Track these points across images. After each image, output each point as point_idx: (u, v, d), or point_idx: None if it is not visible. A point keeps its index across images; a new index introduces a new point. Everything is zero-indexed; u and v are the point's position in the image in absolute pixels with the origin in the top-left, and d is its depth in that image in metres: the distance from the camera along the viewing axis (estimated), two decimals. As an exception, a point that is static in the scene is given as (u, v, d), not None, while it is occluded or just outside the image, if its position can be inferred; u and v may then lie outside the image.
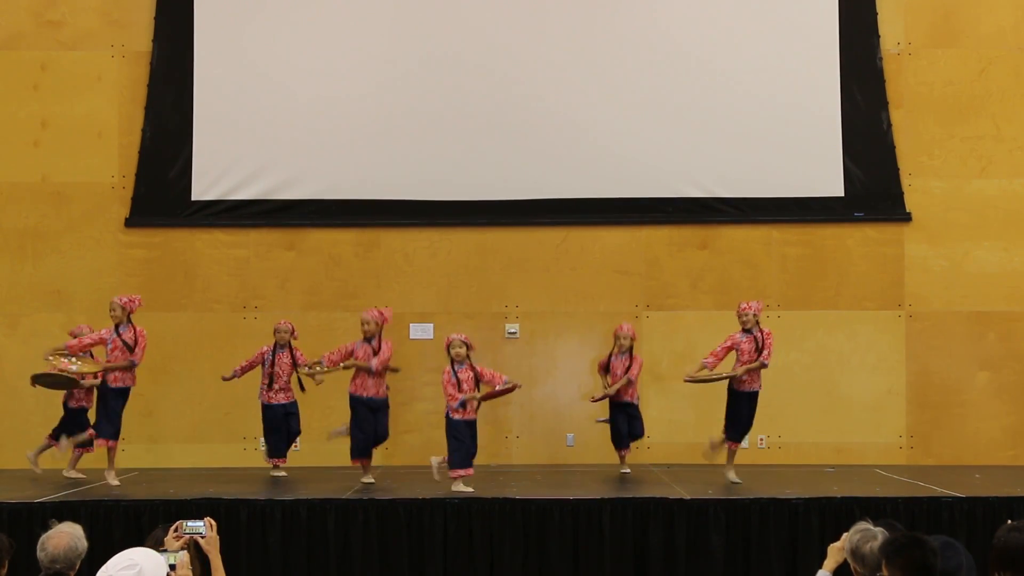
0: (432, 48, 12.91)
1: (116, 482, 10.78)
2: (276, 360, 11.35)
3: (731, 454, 10.96)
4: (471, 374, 10.47)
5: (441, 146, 12.82)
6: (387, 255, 12.94)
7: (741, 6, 12.94)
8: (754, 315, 10.73)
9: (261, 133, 12.86)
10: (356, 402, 10.84)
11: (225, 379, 11.47)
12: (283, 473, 11.39)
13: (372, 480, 10.79)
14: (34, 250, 12.86)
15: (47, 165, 12.89)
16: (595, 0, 12.93)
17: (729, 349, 10.80)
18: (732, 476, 10.78)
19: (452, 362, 10.49)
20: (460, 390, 10.38)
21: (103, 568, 4.39)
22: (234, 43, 12.94)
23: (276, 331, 11.43)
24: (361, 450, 10.87)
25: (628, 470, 11.56)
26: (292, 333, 11.43)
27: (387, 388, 11.01)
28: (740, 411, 10.85)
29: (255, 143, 12.86)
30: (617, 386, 11.38)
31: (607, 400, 11.58)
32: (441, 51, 12.90)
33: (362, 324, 10.86)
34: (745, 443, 11.36)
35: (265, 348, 11.45)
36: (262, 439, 11.71)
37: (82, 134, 12.88)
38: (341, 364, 10.91)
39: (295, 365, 11.35)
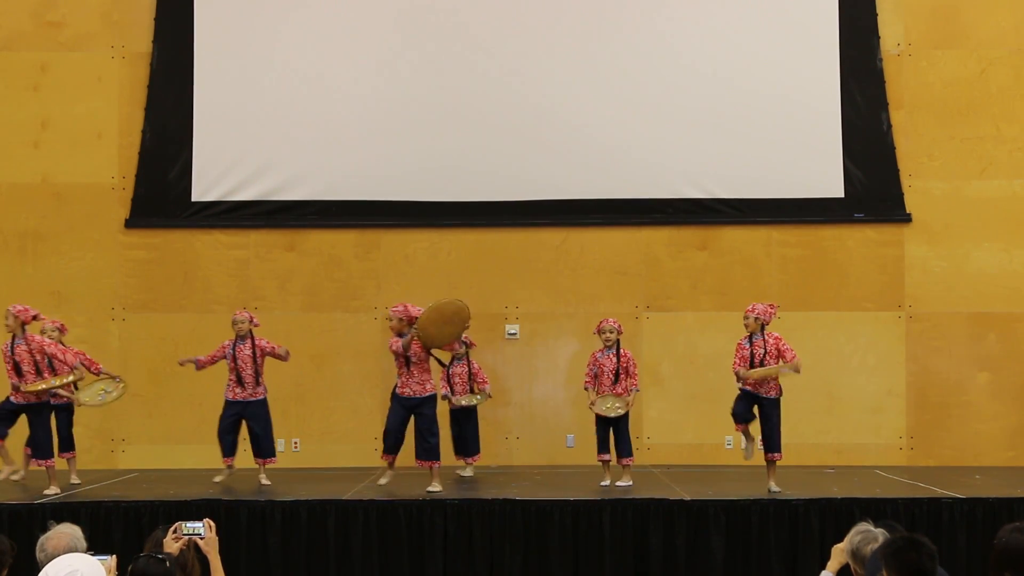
0: (432, 49, 12.91)
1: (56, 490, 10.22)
2: (237, 353, 10.80)
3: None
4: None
5: (441, 147, 12.81)
6: (387, 256, 12.93)
7: (741, 7, 12.93)
8: (755, 319, 10.20)
9: (261, 134, 12.86)
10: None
11: (180, 363, 11.11)
12: (221, 477, 10.82)
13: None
14: (34, 251, 12.86)
15: (47, 166, 12.88)
16: (595, 1, 12.94)
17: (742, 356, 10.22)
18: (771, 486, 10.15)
19: None
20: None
21: (42, 572, 4.37)
22: (234, 44, 12.94)
23: (234, 322, 10.85)
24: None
25: (630, 482, 10.66)
26: (251, 321, 10.86)
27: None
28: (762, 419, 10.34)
29: (255, 144, 12.85)
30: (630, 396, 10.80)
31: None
32: (441, 52, 12.90)
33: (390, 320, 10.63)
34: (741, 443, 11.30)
35: (227, 342, 10.91)
36: None
37: (82, 135, 12.87)
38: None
39: (271, 354, 10.90)
